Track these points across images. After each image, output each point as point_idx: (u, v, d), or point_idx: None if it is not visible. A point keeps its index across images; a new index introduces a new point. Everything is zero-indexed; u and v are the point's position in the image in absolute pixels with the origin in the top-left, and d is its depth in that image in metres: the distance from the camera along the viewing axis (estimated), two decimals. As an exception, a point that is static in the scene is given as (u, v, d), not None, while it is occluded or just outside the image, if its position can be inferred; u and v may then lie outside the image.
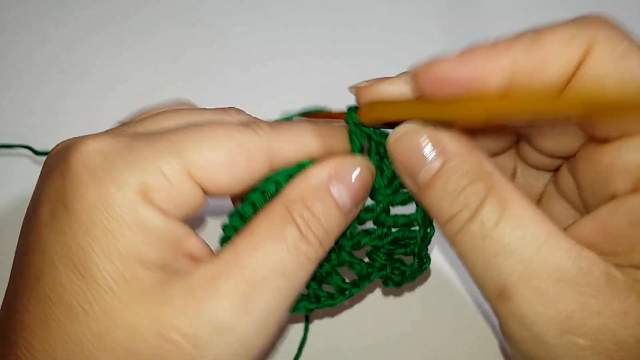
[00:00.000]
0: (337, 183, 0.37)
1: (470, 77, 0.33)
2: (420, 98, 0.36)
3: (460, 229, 0.34)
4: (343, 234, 0.40)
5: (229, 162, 0.35)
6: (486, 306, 0.53)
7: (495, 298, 0.34)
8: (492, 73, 0.33)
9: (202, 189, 0.36)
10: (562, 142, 0.40)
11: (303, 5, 0.69)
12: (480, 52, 0.34)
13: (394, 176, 0.41)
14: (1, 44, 0.66)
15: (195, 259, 0.36)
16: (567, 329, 0.32)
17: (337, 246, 0.41)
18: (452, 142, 0.35)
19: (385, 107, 0.38)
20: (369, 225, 0.42)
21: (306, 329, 0.49)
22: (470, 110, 0.32)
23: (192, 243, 0.36)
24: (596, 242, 0.34)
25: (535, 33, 0.34)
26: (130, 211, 0.32)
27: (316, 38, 0.66)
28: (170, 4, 0.69)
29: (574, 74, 0.33)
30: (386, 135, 0.40)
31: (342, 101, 0.63)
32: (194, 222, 0.57)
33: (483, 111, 0.32)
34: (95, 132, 0.37)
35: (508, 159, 0.46)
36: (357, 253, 0.42)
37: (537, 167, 0.45)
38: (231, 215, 0.38)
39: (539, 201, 0.46)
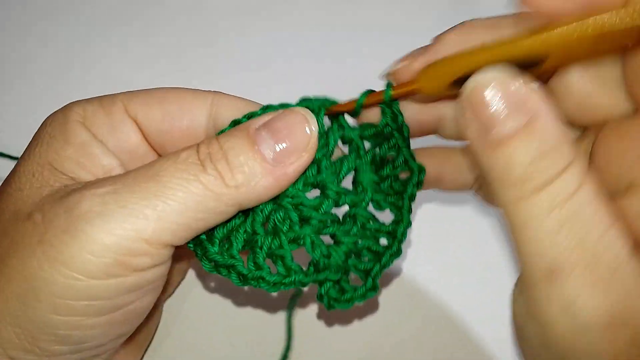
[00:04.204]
0: (266, 130, 0.36)
1: None
2: (500, 40, 0.32)
3: (529, 195, 0.31)
4: (313, 207, 0.38)
5: (160, 100, 0.40)
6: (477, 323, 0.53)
7: (542, 277, 0.31)
8: None
9: (139, 127, 0.39)
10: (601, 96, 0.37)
11: (304, 6, 0.69)
12: None
13: (388, 177, 0.40)
14: (3, 44, 0.67)
15: None
16: (612, 324, 0.30)
17: (304, 218, 0.38)
18: (540, 100, 0.31)
19: (458, 59, 0.33)
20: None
21: (290, 316, 0.47)
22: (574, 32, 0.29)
23: (115, 173, 0.37)
24: None
25: None
26: (62, 127, 0.38)
27: (317, 39, 0.67)
28: (172, 5, 0.69)
29: None
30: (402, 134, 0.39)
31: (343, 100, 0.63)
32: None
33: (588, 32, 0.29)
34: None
35: None
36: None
37: None
38: None
39: None
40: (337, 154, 0.40)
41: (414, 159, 0.40)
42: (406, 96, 0.38)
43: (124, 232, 0.33)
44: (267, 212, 0.38)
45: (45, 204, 0.35)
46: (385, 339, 0.51)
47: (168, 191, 0.33)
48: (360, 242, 0.39)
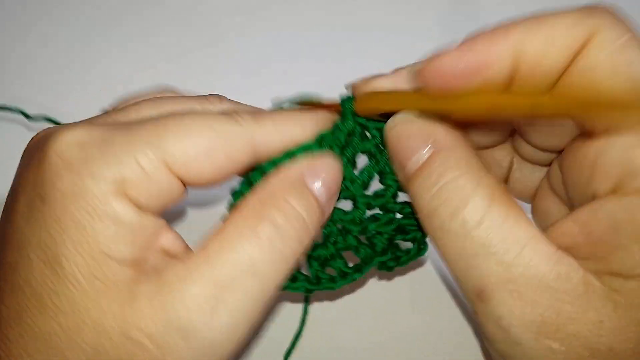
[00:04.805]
0: (311, 177, 0.37)
1: (473, 67, 0.33)
2: (419, 90, 0.36)
3: (441, 225, 0.33)
4: (350, 220, 0.41)
5: (207, 152, 0.35)
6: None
7: (474, 298, 0.34)
8: (494, 59, 0.32)
9: (181, 180, 0.35)
10: (553, 136, 0.40)
11: (304, 6, 0.69)
12: (482, 38, 0.33)
13: None
14: (4, 44, 0.67)
15: (169, 255, 0.35)
16: (542, 333, 0.32)
17: (344, 230, 0.42)
18: (444, 134, 0.35)
19: (383, 97, 0.38)
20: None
21: (305, 311, 0.48)
22: (469, 105, 0.32)
23: (166, 238, 0.35)
24: (577, 243, 0.33)
25: (539, 17, 0.33)
26: (104, 204, 0.32)
27: (317, 39, 0.67)
28: (172, 5, 0.69)
29: (572, 61, 0.32)
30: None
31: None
32: (174, 214, 0.57)
33: (481, 105, 0.32)
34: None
35: (505, 152, 0.45)
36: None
37: (532, 161, 0.45)
38: (241, 183, 0.38)
39: (533, 195, 0.46)
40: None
41: None
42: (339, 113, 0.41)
43: (243, 333, 0.34)
44: None
45: (147, 327, 0.31)
46: (392, 327, 0.52)
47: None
48: (402, 223, 0.43)
